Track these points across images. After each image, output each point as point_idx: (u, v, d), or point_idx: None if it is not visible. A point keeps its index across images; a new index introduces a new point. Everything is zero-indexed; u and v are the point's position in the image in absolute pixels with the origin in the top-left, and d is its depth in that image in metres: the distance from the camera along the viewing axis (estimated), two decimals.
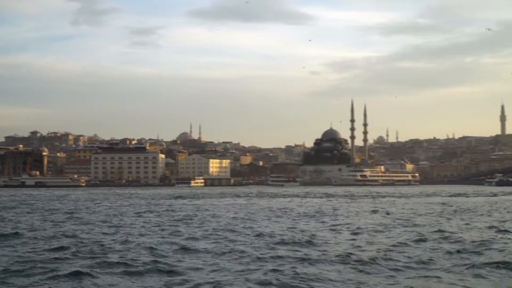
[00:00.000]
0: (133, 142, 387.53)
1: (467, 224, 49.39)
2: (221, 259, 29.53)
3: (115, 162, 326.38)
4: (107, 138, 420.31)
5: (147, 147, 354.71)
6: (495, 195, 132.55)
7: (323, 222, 52.88)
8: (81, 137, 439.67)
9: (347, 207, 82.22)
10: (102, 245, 35.29)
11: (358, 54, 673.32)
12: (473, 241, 35.53)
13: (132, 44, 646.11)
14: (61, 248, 33.86)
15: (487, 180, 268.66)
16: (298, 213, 67.21)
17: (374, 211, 68.33)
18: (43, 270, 26.80)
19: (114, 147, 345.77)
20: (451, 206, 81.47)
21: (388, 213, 64.24)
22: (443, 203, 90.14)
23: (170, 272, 26.21)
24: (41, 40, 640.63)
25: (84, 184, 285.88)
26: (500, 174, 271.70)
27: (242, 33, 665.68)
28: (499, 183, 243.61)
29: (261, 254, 30.83)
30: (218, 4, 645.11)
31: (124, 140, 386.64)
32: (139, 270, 26.62)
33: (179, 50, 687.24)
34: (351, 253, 30.39)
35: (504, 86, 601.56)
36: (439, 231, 41.71)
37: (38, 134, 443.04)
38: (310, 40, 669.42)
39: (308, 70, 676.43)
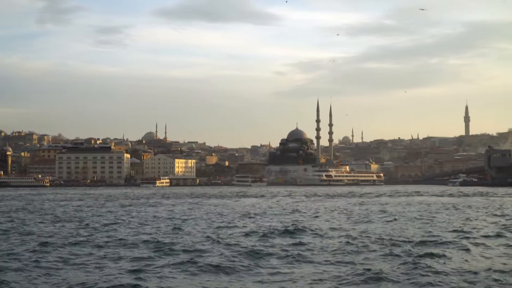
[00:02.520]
0: (98, 142, 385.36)
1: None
2: None
3: (79, 162, 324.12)
4: (72, 137, 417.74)
5: (112, 147, 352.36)
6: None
7: None
8: (45, 137, 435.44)
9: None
10: None
11: (324, 55, 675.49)
12: None
13: (97, 43, 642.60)
14: None
15: (451, 180, 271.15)
16: None
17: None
18: None
19: (78, 146, 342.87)
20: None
21: None
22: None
23: None
24: (5, 39, 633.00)
25: (48, 184, 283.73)
26: (463, 175, 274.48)
27: (208, 33, 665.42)
28: (463, 183, 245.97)
29: None
30: (183, 3, 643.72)
31: (89, 140, 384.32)
32: None
33: (144, 50, 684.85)
34: None
35: (469, 87, 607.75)
36: None
37: (2, 134, 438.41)
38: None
39: (273, 70, 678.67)
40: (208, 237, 40.40)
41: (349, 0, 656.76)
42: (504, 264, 28.87)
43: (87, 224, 53.10)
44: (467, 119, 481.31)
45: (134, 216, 64.57)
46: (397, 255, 31.15)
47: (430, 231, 43.18)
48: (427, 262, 28.63)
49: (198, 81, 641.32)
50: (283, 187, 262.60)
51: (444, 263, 28.85)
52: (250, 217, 60.99)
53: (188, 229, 46.83)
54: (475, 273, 26.37)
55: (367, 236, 39.34)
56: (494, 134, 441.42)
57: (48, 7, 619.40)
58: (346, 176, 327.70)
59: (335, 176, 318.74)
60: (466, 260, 29.76)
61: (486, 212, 66.73)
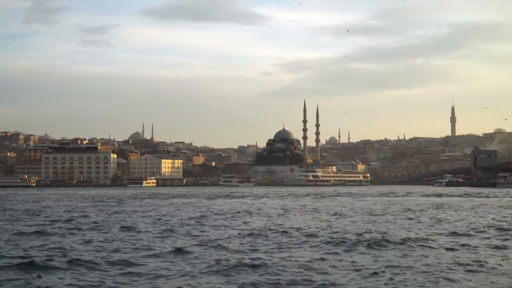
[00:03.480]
0: (85, 142, 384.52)
1: None
2: None
3: (66, 162, 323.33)
4: (58, 137, 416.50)
5: (99, 147, 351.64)
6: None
7: None
8: (31, 137, 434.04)
9: None
10: None
11: (310, 55, 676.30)
12: None
13: (84, 43, 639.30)
14: None
15: (437, 180, 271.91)
16: None
17: None
18: None
19: (65, 147, 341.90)
20: None
21: None
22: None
23: None
24: None
25: (34, 185, 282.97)
26: (449, 175, 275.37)
27: (195, 33, 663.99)
28: (449, 184, 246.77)
29: None
30: (170, 3, 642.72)
31: (75, 140, 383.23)
32: None
33: (131, 50, 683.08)
34: None
35: (454, 87, 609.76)
36: None
37: None
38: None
39: (260, 70, 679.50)
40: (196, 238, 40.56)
41: (335, 0, 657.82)
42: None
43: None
44: (453, 119, 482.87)
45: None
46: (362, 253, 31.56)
47: (409, 230, 43.48)
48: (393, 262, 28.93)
49: (185, 81, 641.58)
50: (271, 187, 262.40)
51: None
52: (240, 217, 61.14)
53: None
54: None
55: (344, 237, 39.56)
56: (480, 134, 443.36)
57: (34, 7, 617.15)
58: (333, 176, 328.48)
59: (322, 176, 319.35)
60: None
61: (468, 214, 67.04)
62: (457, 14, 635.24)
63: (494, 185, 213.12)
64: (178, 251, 33.47)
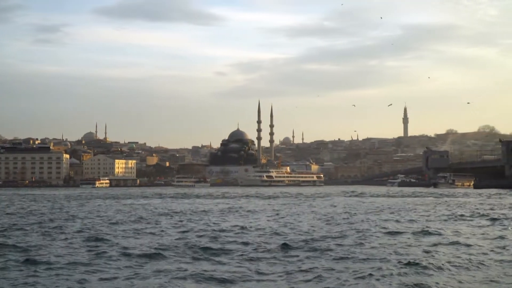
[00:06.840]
0: (37, 142, 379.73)
1: None
2: None
3: (18, 162, 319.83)
4: (10, 137, 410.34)
5: (51, 147, 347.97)
6: None
7: None
8: None
9: None
10: None
11: (264, 55, 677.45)
12: None
13: (36, 41, 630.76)
14: None
15: (389, 181, 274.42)
16: None
17: None
18: None
19: (17, 147, 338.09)
20: None
21: None
22: None
23: None
24: None
25: None
26: (402, 175, 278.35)
27: (149, 33, 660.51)
28: (401, 184, 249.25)
29: None
30: (124, 2, 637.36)
31: (27, 140, 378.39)
32: None
33: (84, 49, 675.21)
34: None
35: (407, 89, 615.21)
36: None
37: None
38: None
39: (214, 70, 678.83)
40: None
41: (289, 1, 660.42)
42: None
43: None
44: (405, 120, 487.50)
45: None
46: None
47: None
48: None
49: (138, 81, 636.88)
50: (226, 187, 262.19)
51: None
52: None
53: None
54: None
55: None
56: (432, 135, 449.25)
57: None
58: (287, 177, 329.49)
59: (276, 176, 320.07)
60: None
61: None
62: (409, 15, 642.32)
63: (435, 185, 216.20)
64: None
